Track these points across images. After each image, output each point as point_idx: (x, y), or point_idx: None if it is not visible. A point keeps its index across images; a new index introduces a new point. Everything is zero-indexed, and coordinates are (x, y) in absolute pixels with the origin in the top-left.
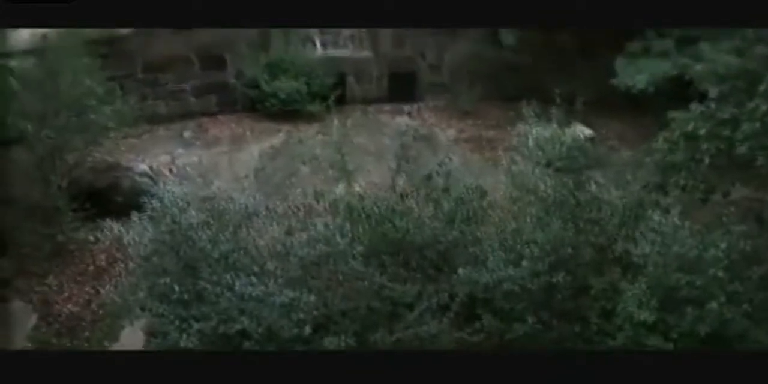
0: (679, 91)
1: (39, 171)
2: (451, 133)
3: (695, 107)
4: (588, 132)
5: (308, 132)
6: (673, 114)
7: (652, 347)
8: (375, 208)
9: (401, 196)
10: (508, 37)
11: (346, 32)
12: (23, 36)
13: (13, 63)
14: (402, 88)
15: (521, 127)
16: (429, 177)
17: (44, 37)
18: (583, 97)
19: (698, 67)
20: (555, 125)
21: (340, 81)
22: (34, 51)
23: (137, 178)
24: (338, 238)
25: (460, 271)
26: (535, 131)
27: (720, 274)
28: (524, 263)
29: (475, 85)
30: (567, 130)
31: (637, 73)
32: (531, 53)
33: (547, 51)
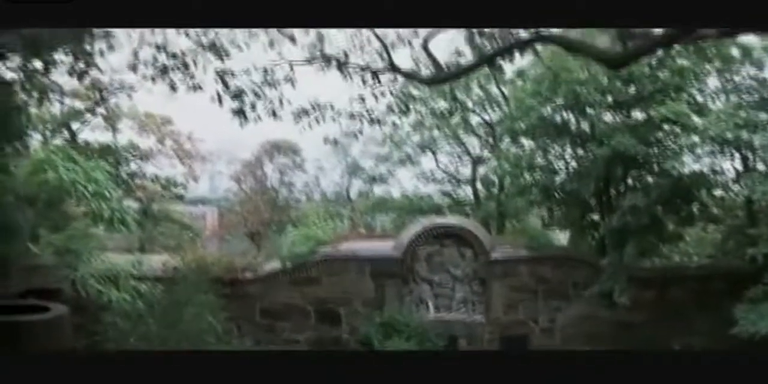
0: None
1: None
2: None
3: None
4: None
5: None
6: None
7: None
8: None
9: None
10: (621, 296)
11: (459, 295)
12: (156, 263)
13: (143, 287)
14: (513, 351)
15: None
16: None
17: (175, 268)
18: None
19: None
20: None
21: (452, 344)
22: (163, 279)
23: None
24: None
25: None
26: None
27: None
28: None
29: (588, 346)
30: None
31: (759, 319)
32: (645, 310)
33: (661, 307)
